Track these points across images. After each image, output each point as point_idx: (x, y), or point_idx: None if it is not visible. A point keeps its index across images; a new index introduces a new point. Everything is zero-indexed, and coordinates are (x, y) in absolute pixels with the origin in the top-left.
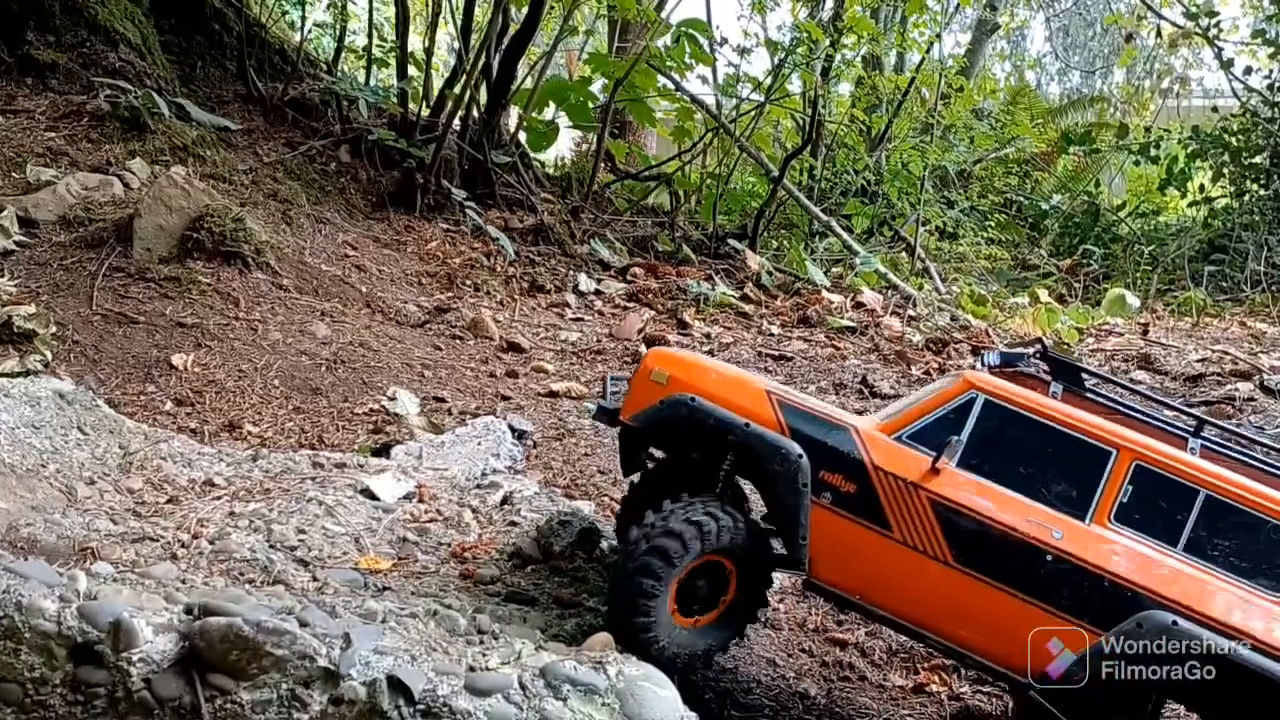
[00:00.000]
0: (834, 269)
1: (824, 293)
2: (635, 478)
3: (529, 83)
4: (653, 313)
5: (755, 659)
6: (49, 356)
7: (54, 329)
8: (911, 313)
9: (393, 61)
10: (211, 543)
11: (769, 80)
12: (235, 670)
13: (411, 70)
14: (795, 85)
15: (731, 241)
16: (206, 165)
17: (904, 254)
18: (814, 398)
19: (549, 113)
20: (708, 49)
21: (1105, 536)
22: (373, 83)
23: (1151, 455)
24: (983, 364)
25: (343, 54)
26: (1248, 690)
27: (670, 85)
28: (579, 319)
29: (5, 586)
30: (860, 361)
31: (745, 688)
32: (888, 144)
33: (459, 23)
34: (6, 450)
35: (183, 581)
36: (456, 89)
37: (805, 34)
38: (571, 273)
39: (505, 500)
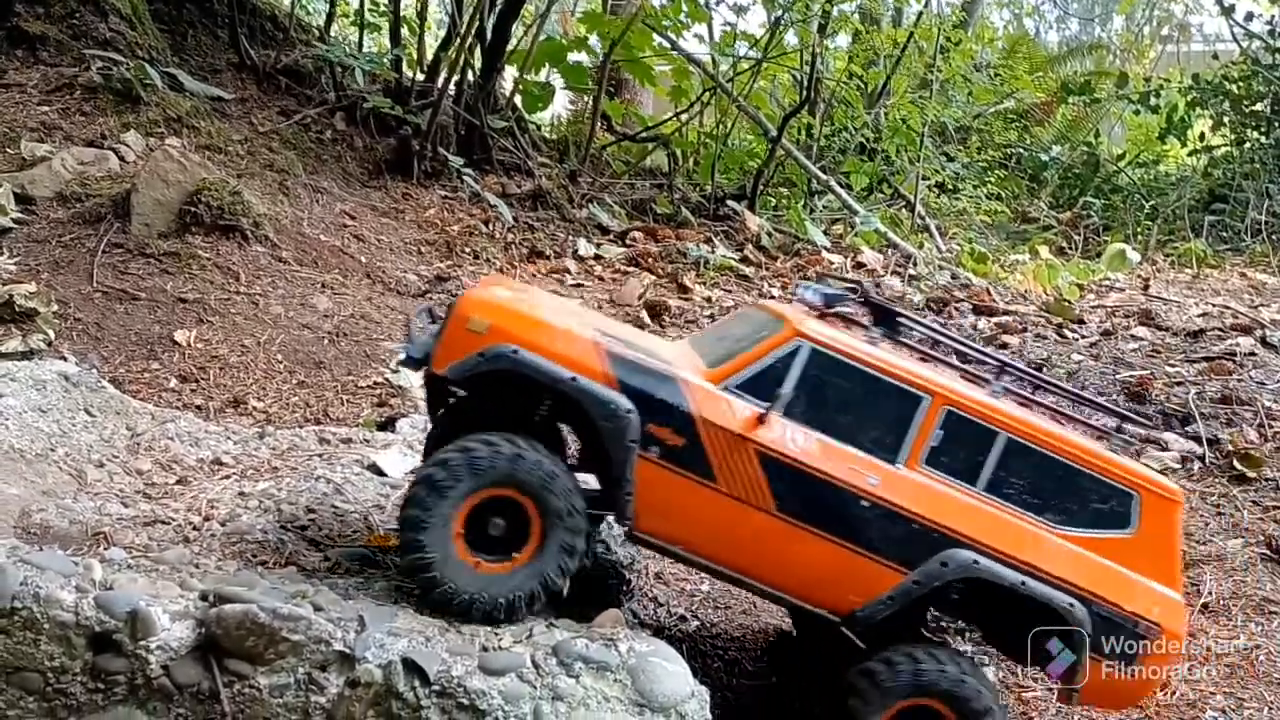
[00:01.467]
0: (834, 228)
1: (824, 253)
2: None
3: (524, 45)
4: (653, 277)
5: (763, 626)
6: (52, 335)
7: (55, 307)
8: (912, 271)
9: (385, 25)
10: (223, 524)
11: (766, 37)
12: (252, 656)
13: (404, 33)
14: (792, 39)
15: (730, 202)
16: (201, 136)
17: (904, 211)
18: (639, 333)
19: (544, 74)
20: (704, 6)
21: (916, 480)
22: (366, 47)
23: (961, 400)
24: (800, 295)
25: (335, 18)
26: (1027, 610)
27: (666, 44)
28: (579, 285)
29: (23, 578)
30: None
31: (753, 655)
32: (886, 100)
33: None
34: (15, 435)
35: (196, 566)
36: (451, 52)
37: None
38: (570, 238)
39: None
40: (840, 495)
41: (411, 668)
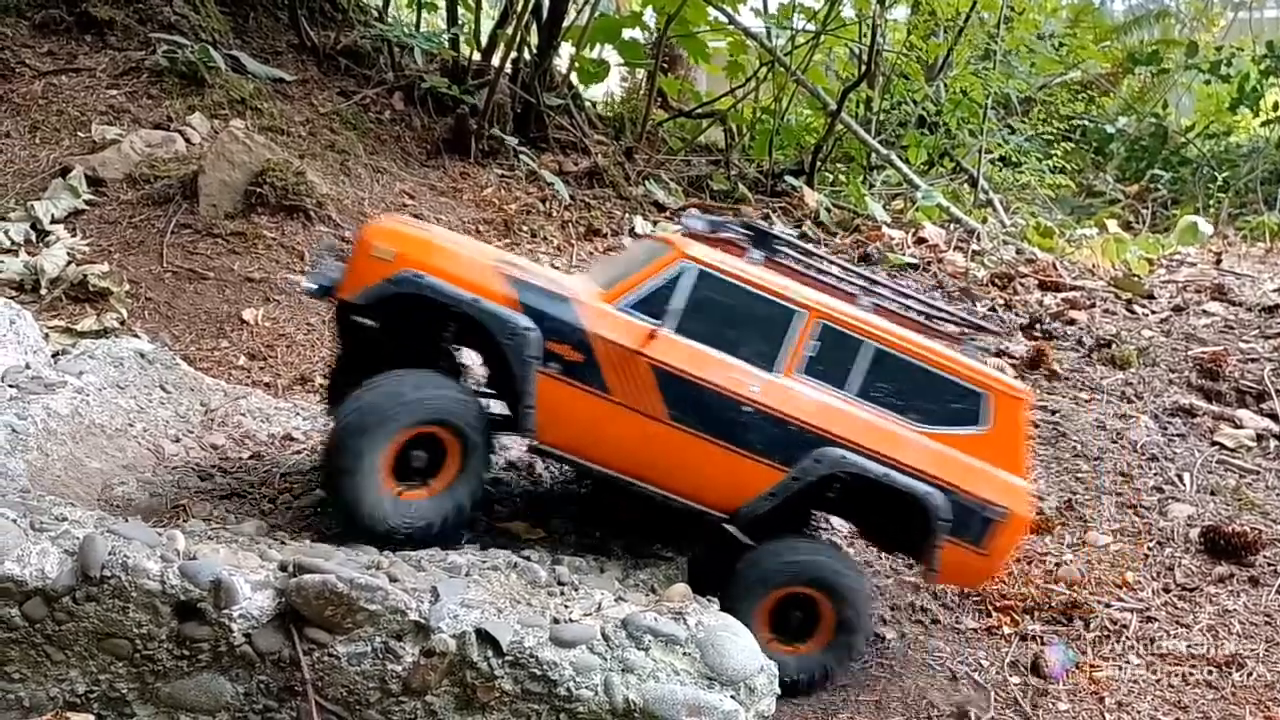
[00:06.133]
0: (893, 203)
1: (884, 229)
2: (340, 353)
3: (578, 22)
4: None
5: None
6: (124, 314)
7: (127, 287)
8: (975, 247)
9: (442, 4)
10: (296, 498)
11: (824, 10)
12: (331, 625)
13: (461, 12)
14: (848, 11)
15: (788, 178)
16: (264, 118)
17: (966, 185)
18: (539, 266)
19: (598, 50)
20: None
21: (793, 387)
22: (422, 27)
23: (833, 314)
24: (686, 222)
25: None
26: (893, 501)
27: (722, 18)
28: None
29: (111, 548)
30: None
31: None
32: (947, 72)
33: None
34: (96, 411)
35: (273, 537)
36: (507, 30)
37: None
38: (627, 215)
39: None
40: (725, 402)
41: (485, 638)
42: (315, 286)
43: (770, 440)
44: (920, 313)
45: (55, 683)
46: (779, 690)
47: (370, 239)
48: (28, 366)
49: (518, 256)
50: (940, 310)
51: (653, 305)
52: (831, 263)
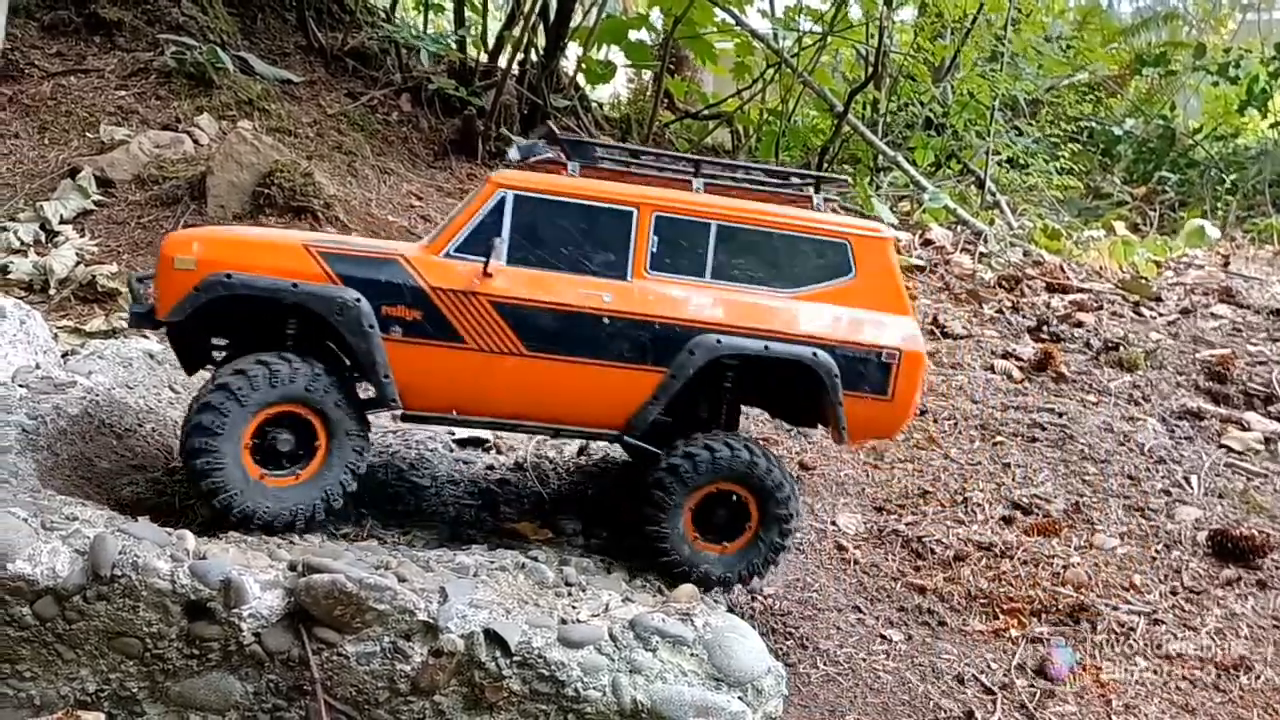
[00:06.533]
0: (900, 205)
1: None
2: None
3: (584, 24)
4: None
5: (834, 605)
6: None
7: None
8: (982, 249)
9: (449, 5)
10: None
11: (830, 10)
12: (340, 624)
13: (468, 14)
14: (855, 12)
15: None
16: (272, 119)
17: (973, 188)
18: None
19: (604, 52)
20: None
21: (647, 287)
22: (429, 29)
23: (665, 204)
24: (508, 163)
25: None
26: (787, 373)
27: (730, 20)
28: None
29: (121, 547)
30: (930, 301)
31: (825, 633)
32: (955, 73)
33: None
34: (105, 411)
35: (281, 537)
36: (514, 31)
37: None
38: None
39: (582, 450)
40: (580, 320)
41: (493, 638)
42: (136, 314)
43: (638, 345)
44: (756, 181)
45: (66, 681)
46: (785, 692)
47: (169, 252)
48: (38, 366)
49: (337, 236)
50: (775, 171)
51: (481, 243)
52: (657, 153)
